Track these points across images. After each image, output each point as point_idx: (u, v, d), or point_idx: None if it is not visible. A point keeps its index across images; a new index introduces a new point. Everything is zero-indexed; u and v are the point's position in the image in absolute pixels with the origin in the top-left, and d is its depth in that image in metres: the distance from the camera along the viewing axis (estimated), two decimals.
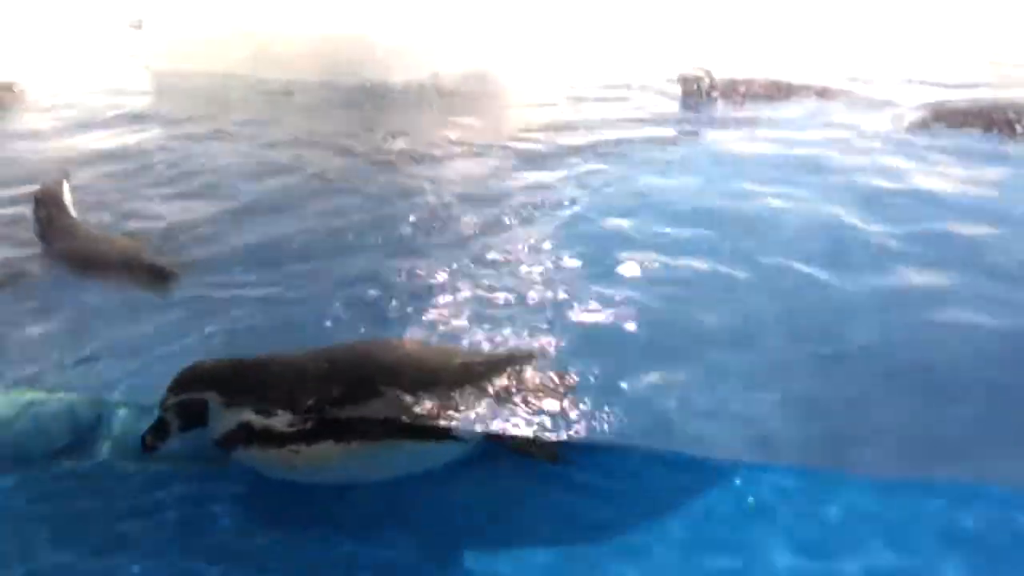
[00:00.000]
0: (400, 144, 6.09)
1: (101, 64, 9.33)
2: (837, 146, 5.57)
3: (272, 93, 7.53)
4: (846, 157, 5.37)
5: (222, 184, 5.33)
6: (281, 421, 2.79)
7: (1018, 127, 5.72)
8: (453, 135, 6.20)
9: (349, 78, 7.54)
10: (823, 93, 6.94)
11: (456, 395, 2.87)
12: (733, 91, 6.83)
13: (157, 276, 4.07)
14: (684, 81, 6.84)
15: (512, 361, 3.11)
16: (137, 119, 6.97)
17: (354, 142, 6.23)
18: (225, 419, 2.82)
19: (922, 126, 5.85)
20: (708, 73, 6.83)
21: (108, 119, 6.99)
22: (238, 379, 2.86)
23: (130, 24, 10.13)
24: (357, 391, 2.83)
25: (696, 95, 6.77)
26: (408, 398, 2.81)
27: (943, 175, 5.02)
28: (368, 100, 7.25)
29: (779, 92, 6.92)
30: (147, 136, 6.45)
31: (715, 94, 6.79)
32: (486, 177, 5.28)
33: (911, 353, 3.23)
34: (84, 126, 6.82)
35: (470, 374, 2.96)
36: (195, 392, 2.84)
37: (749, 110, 6.55)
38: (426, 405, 2.81)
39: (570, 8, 9.34)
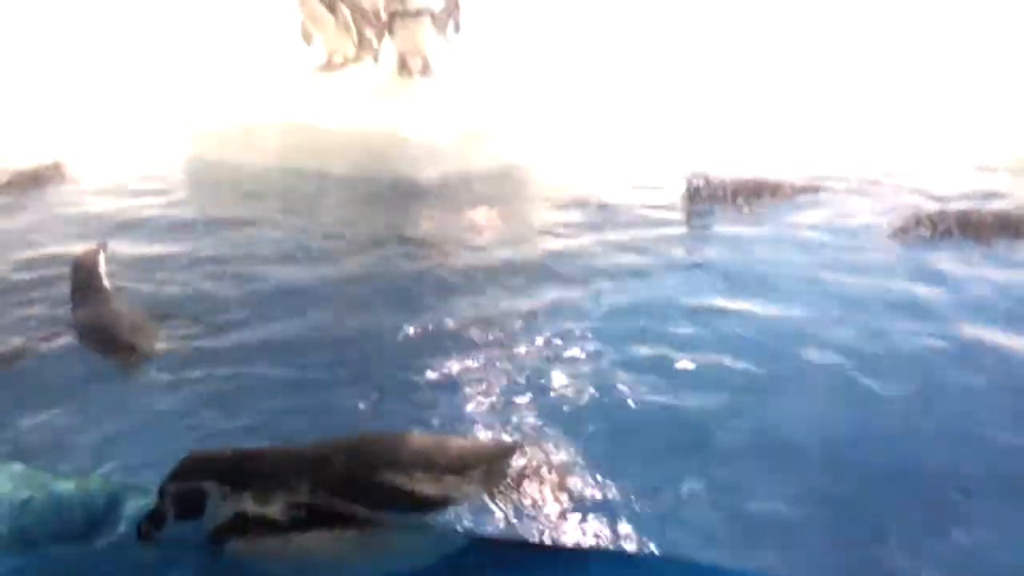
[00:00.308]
0: (428, 236, 6.25)
1: (145, 149, 9.69)
2: (839, 248, 5.61)
3: (306, 184, 7.77)
4: (854, 258, 5.40)
5: (254, 269, 5.49)
6: (276, 512, 2.80)
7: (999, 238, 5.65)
8: (479, 229, 6.35)
9: (381, 172, 7.75)
10: (828, 191, 6.96)
11: (452, 487, 2.89)
12: (736, 193, 6.77)
13: (124, 353, 4.19)
14: (687, 184, 6.82)
15: (505, 454, 3.12)
16: (175, 203, 7.25)
17: (384, 233, 6.41)
18: (221, 510, 2.83)
19: (904, 232, 5.86)
20: (707, 177, 6.79)
21: (147, 199, 7.32)
22: (237, 469, 2.88)
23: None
24: (352, 483, 2.85)
25: (697, 199, 6.73)
26: (403, 491, 2.82)
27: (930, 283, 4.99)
28: (398, 193, 7.44)
29: (784, 193, 6.87)
30: (185, 218, 6.76)
31: (719, 196, 6.74)
32: (513, 271, 5.40)
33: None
34: (124, 205, 7.16)
35: (467, 466, 2.96)
36: (193, 481, 2.85)
37: (753, 214, 6.52)
38: (421, 498, 2.83)
39: (589, 106, 9.55)
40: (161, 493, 2.86)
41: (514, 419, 3.57)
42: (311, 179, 7.83)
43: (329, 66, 8.52)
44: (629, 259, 5.61)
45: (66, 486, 3.18)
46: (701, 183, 6.76)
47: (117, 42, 15.49)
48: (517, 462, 3.07)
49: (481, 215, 6.84)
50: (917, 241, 5.78)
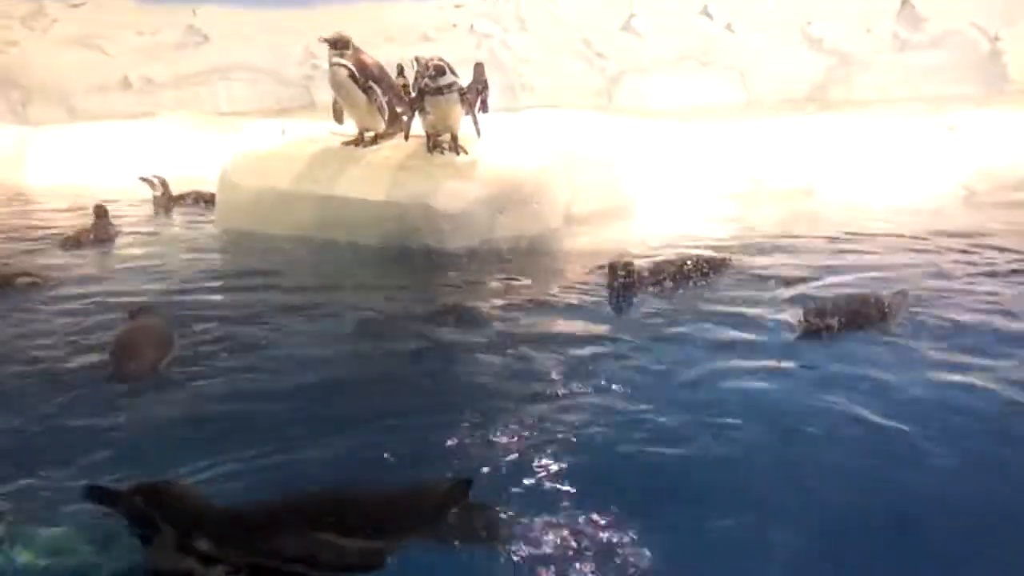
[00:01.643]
0: (455, 304, 6.41)
1: (180, 219, 10.03)
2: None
3: (337, 253, 8.00)
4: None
5: (281, 342, 5.63)
6: (218, 569, 2.86)
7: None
8: (503, 296, 6.55)
9: (411, 242, 7.98)
10: (742, 269, 6.86)
11: (393, 540, 3.03)
12: (662, 275, 6.54)
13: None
14: (610, 270, 6.48)
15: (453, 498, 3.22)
16: (204, 273, 7.55)
17: (411, 301, 6.61)
18: (165, 552, 2.89)
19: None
20: (627, 264, 6.49)
21: (180, 270, 7.62)
22: (197, 522, 2.96)
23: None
24: (296, 538, 2.93)
25: (619, 285, 6.42)
26: (341, 552, 2.94)
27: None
28: (426, 262, 7.64)
29: (710, 271, 6.72)
30: (213, 287, 7.04)
31: (641, 281, 6.48)
32: (533, 340, 5.51)
33: None
34: (158, 275, 7.48)
35: (411, 517, 3.13)
36: (152, 509, 2.96)
37: (680, 297, 6.33)
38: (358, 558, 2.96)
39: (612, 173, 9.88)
40: (126, 494, 3.00)
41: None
42: (343, 250, 8.07)
43: (360, 141, 8.80)
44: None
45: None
46: (625, 268, 6.45)
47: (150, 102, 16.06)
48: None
49: (507, 283, 7.01)
50: None
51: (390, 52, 13.30)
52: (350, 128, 9.00)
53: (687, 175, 10.87)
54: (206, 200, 10.27)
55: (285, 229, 8.46)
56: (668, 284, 6.50)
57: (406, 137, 8.56)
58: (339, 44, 8.52)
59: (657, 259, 6.92)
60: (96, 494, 3.10)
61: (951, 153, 10.41)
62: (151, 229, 9.54)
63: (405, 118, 8.67)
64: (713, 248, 7.56)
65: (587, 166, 9.63)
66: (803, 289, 6.27)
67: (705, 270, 6.71)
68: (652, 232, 8.83)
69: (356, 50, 8.63)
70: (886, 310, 5.51)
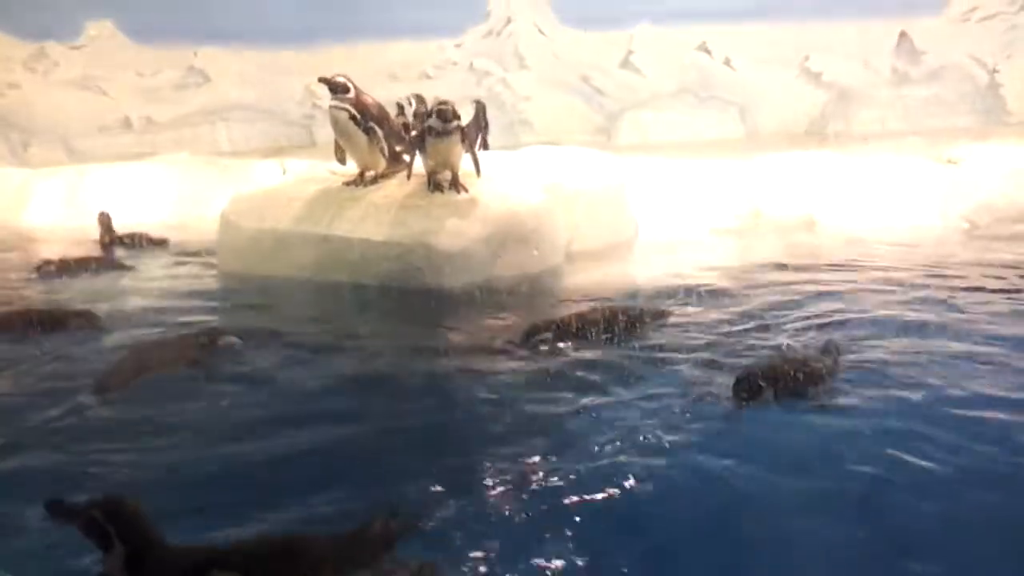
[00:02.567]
0: (453, 344, 6.36)
1: (175, 258, 9.99)
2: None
3: (336, 294, 7.96)
4: None
5: (279, 382, 5.57)
6: None
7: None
8: (499, 335, 6.47)
9: (410, 281, 7.94)
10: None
11: None
12: (575, 328, 6.19)
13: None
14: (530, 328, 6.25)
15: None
16: (204, 310, 7.54)
17: (411, 341, 6.58)
18: (117, 562, 2.99)
19: None
20: (547, 323, 6.26)
21: (177, 303, 7.71)
22: (145, 541, 3.08)
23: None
24: None
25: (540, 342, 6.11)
26: None
27: None
28: (425, 302, 7.59)
29: (638, 324, 6.38)
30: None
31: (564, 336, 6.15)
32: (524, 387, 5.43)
33: None
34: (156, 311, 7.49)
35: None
36: (109, 524, 3.06)
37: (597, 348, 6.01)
38: None
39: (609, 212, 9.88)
40: (84, 509, 3.08)
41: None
42: (343, 290, 8.03)
43: (361, 181, 8.80)
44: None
45: None
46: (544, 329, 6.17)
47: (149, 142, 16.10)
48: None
49: (506, 322, 6.95)
50: None
51: (391, 90, 13.42)
52: (350, 167, 9.01)
53: (687, 210, 10.89)
54: (151, 241, 10.48)
55: (286, 270, 8.43)
56: (593, 338, 6.09)
57: (408, 176, 8.56)
58: (339, 88, 8.53)
59: (586, 312, 6.55)
60: (55, 509, 3.16)
61: (951, 186, 10.39)
62: (151, 272, 9.47)
63: (407, 157, 8.68)
64: (705, 286, 7.52)
65: (588, 203, 9.63)
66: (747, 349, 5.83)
67: (635, 323, 6.31)
68: (650, 269, 8.84)
69: (357, 91, 8.64)
70: (822, 370, 5.06)
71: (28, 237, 11.92)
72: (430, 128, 8.10)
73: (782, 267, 8.31)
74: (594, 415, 4.82)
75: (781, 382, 4.85)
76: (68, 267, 9.02)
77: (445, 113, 8.09)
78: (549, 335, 6.09)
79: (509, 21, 17.05)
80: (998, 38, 15.23)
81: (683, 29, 15.96)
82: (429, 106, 8.58)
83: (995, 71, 15.29)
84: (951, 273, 7.80)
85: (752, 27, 15.41)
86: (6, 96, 16.66)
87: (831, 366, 5.20)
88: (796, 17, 15.17)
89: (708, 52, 16.29)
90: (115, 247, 10.45)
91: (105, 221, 10.66)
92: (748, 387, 4.80)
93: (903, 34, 15.62)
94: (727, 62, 16.20)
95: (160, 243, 10.56)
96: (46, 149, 16.22)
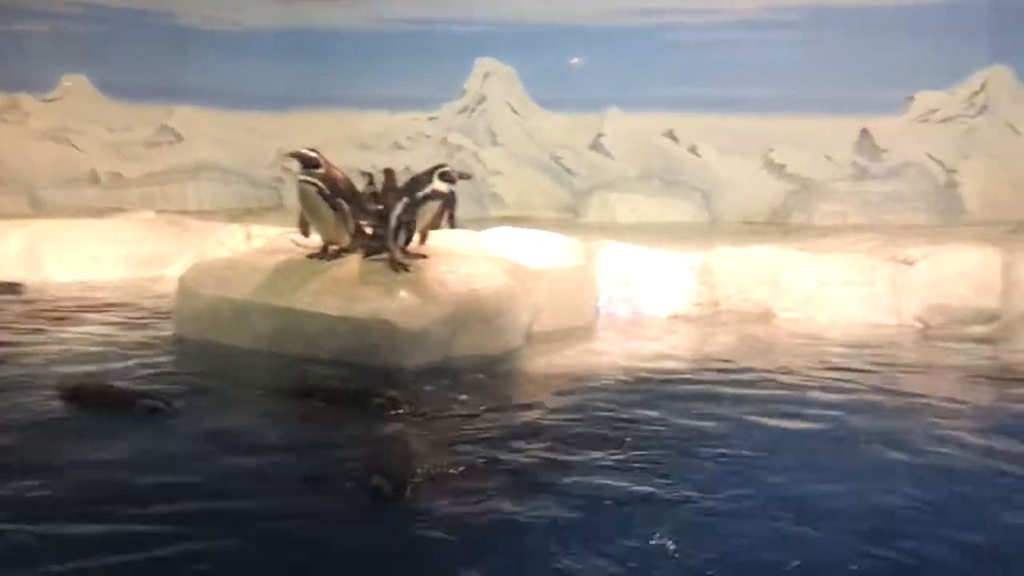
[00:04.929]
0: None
1: (132, 323, 9.84)
2: None
3: (290, 367, 7.87)
4: None
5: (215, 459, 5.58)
6: None
7: None
8: (461, 412, 6.60)
9: (367, 358, 7.90)
10: None
11: None
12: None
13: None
14: None
15: None
16: (157, 377, 7.46)
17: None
18: None
19: None
20: None
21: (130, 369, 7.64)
22: None
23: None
24: None
25: None
26: None
27: None
28: (381, 381, 7.53)
29: None
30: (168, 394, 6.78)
31: None
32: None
33: None
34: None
35: None
36: None
37: None
38: None
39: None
40: None
41: None
42: (297, 364, 7.94)
43: (324, 254, 8.81)
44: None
45: None
46: None
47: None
48: None
49: (464, 402, 6.93)
50: None
51: (363, 159, 13.54)
52: (315, 238, 9.01)
53: (647, 295, 11.02)
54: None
55: (242, 341, 8.35)
56: None
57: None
58: (309, 163, 8.58)
59: None
60: None
61: (905, 287, 10.61)
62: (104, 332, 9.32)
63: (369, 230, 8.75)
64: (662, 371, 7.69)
65: (550, 285, 9.70)
66: None
67: None
68: (608, 353, 8.93)
69: (327, 166, 8.69)
70: None
71: None
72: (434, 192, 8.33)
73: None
74: None
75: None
76: None
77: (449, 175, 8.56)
78: None
79: (483, 99, 17.30)
80: (956, 140, 15.65)
81: (650, 116, 16.28)
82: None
83: (952, 171, 15.70)
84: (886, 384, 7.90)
85: (718, 118, 15.75)
86: None
87: None
88: (761, 110, 15.52)
89: (675, 139, 16.61)
90: None
91: None
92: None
93: (864, 131, 16.01)
94: (693, 149, 16.51)
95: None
96: (12, 199, 16.02)
